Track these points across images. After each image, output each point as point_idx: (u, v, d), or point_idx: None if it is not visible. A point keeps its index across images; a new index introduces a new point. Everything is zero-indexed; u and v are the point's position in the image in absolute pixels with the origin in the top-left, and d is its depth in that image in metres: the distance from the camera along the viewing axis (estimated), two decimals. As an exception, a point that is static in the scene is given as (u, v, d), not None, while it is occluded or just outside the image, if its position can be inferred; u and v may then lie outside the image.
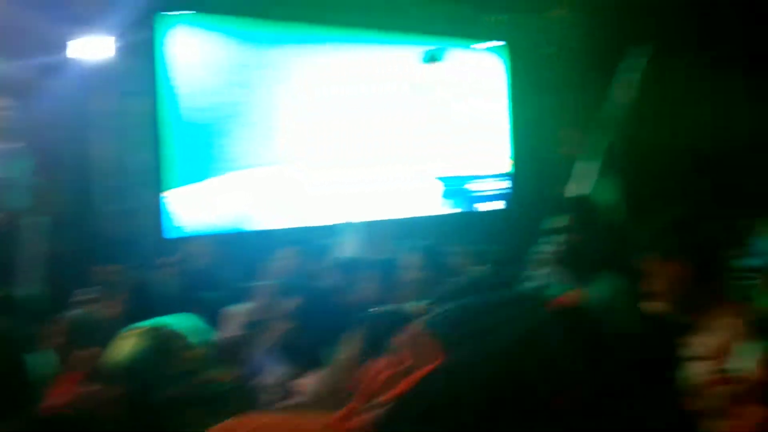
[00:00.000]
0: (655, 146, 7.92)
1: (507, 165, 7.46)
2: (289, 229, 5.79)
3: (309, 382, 2.21)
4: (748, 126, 9.54)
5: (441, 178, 6.93)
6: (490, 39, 7.36)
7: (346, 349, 1.87)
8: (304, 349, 2.40)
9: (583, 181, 4.14)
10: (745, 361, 1.19)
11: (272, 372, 2.60)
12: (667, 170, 7.95)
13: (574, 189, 4.19)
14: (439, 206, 6.91)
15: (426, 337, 0.95)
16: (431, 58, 6.87)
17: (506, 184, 7.44)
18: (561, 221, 2.50)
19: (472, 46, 7.31)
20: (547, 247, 2.58)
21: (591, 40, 7.02)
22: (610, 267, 2.60)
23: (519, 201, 7.33)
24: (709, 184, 8.36)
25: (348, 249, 4.71)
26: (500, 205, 7.38)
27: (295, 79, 6.12)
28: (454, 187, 7.04)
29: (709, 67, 8.82)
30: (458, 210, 7.04)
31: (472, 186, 7.19)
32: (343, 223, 5.11)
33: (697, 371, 1.67)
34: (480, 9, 7.11)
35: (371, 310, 2.05)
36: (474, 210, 7.20)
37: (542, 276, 3.19)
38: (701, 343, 1.71)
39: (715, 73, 9.01)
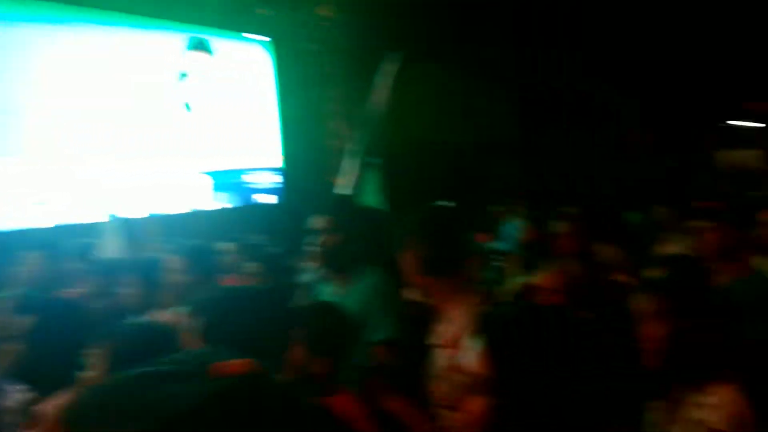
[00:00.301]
0: (415, 145, 8.49)
1: (278, 160, 7.47)
2: (33, 229, 5.16)
3: (52, 407, 1.98)
4: (497, 126, 10.68)
5: (212, 173, 6.71)
6: (257, 33, 7.28)
7: (92, 368, 1.70)
8: (48, 369, 2.15)
9: (347, 178, 4.26)
10: (471, 352, 1.28)
11: (9, 398, 2.29)
12: (425, 167, 8.58)
13: (338, 187, 4.30)
14: (210, 201, 6.68)
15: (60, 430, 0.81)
16: (197, 46, 6.61)
17: (278, 178, 7.44)
18: (322, 221, 2.53)
19: (239, 39, 7.18)
20: (312, 246, 2.60)
21: (354, 39, 7.28)
22: (372, 263, 2.69)
23: (292, 195, 7.38)
24: (463, 177, 9.20)
25: (107, 250, 4.34)
26: (273, 199, 7.36)
27: (43, 64, 5.47)
28: (225, 181, 6.86)
29: (463, 72, 9.68)
30: (230, 205, 6.88)
31: (244, 180, 7.08)
32: (101, 221, 4.69)
33: (436, 360, 1.77)
34: (246, 3, 7.00)
35: (123, 321, 1.89)
36: (247, 205, 7.09)
37: (312, 270, 3.23)
38: (441, 331, 1.81)
39: (468, 78, 9.92)
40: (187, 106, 6.53)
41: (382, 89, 4.50)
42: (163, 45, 6.40)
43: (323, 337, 1.85)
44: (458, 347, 1.61)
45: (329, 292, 2.68)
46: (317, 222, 2.56)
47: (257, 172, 7.25)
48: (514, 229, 5.93)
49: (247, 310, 1.32)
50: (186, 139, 6.50)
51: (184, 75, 6.54)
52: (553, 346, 1.21)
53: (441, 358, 1.74)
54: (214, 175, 6.71)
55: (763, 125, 14.25)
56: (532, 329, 1.22)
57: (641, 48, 10.82)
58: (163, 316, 2.41)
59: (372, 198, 4.63)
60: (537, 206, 5.76)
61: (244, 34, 7.22)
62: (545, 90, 11.01)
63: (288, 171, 7.50)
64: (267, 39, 7.35)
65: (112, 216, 4.76)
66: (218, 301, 1.37)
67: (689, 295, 1.75)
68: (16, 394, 2.34)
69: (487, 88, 10.27)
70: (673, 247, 4.17)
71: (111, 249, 4.33)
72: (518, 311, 1.28)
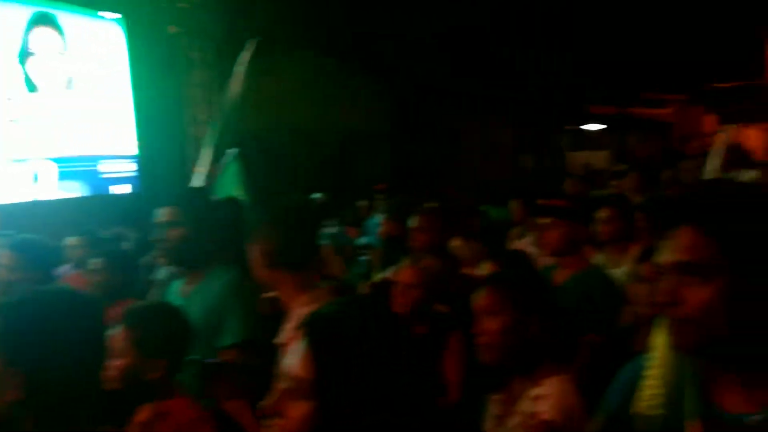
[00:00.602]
0: (284, 134, 8.36)
1: (133, 147, 7.04)
2: None
3: None
4: (370, 119, 10.77)
5: (58, 159, 6.20)
6: (111, 10, 6.81)
7: None
8: None
9: (203, 168, 4.09)
10: (296, 354, 1.24)
11: None
12: (296, 158, 8.47)
13: (195, 177, 4.12)
14: (55, 190, 6.18)
15: None
16: (42, 21, 6.09)
17: (133, 166, 7.03)
18: (168, 213, 2.38)
19: (92, 16, 6.69)
20: (158, 240, 2.45)
21: (218, 24, 7.03)
22: (225, 258, 2.58)
23: (148, 185, 7.01)
24: (336, 170, 9.19)
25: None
26: (127, 189, 6.94)
27: None
28: (73, 169, 6.37)
29: (336, 62, 9.65)
30: (78, 195, 6.41)
31: (94, 168, 6.61)
32: None
33: (281, 360, 1.72)
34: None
35: None
36: (97, 195, 6.63)
37: (166, 267, 3.04)
38: (286, 330, 1.76)
39: (343, 68, 9.91)
40: (30, 86, 6.00)
41: (237, 77, 4.37)
42: (4, 18, 5.83)
43: (154, 339, 1.75)
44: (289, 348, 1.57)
45: (178, 289, 2.54)
46: (163, 214, 2.41)
47: (109, 159, 6.79)
48: (378, 224, 5.97)
49: (54, 315, 1.19)
50: (30, 121, 5.96)
51: (28, 52, 6.00)
52: (376, 345, 1.18)
53: (282, 358, 1.69)
54: (59, 161, 6.21)
55: (606, 127, 15.46)
56: (352, 329, 1.19)
57: (510, 53, 11.33)
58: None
59: (232, 189, 4.48)
60: (400, 200, 5.84)
61: (100, 13, 6.74)
62: (420, 83, 11.23)
63: (144, 159, 7.10)
64: (120, 16, 6.88)
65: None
66: (21, 306, 1.22)
67: (521, 289, 1.81)
68: None
69: (362, 80, 10.32)
70: (521, 243, 4.38)
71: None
72: (340, 310, 1.25)
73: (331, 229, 6.24)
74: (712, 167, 4.22)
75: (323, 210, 6.26)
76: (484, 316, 1.76)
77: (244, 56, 4.38)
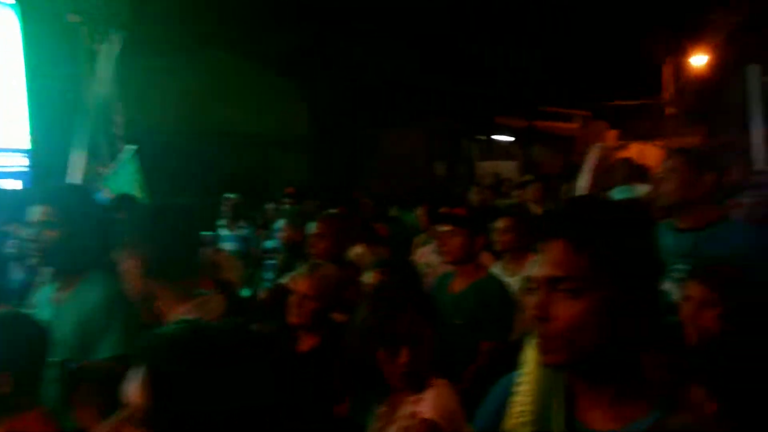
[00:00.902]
0: (193, 134, 8.10)
1: (25, 140, 6.63)
2: None
3: None
4: (287, 121, 10.62)
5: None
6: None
7: None
8: None
9: (78, 164, 3.85)
10: (134, 378, 1.15)
11: None
12: (205, 159, 8.22)
13: (71, 175, 3.88)
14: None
15: None
16: None
17: (24, 161, 6.61)
18: (41, 212, 2.20)
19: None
20: (32, 241, 2.25)
21: (121, 14, 6.71)
22: (106, 263, 2.41)
23: (41, 181, 6.61)
24: (248, 170, 8.99)
25: None
26: (17, 184, 6.53)
27: None
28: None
29: (249, 65, 9.45)
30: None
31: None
32: None
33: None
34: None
35: None
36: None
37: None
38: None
39: (258, 72, 9.72)
40: None
41: (104, 72, 4.17)
42: None
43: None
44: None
45: (51, 295, 2.34)
46: (36, 213, 2.22)
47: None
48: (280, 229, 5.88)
49: None
50: None
51: None
52: (221, 370, 1.11)
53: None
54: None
55: (514, 138, 15.96)
56: (195, 352, 1.11)
57: (425, 58, 11.43)
58: None
59: (128, 186, 4.27)
60: (304, 206, 5.77)
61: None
62: (339, 86, 11.18)
63: (38, 153, 6.69)
64: (14, 2, 6.47)
65: None
66: None
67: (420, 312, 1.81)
68: None
69: (277, 82, 10.17)
70: (424, 250, 4.41)
71: None
72: (185, 331, 1.16)
73: (242, 232, 6.08)
74: (582, 184, 4.36)
75: (236, 212, 6.10)
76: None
77: (109, 50, 4.17)
